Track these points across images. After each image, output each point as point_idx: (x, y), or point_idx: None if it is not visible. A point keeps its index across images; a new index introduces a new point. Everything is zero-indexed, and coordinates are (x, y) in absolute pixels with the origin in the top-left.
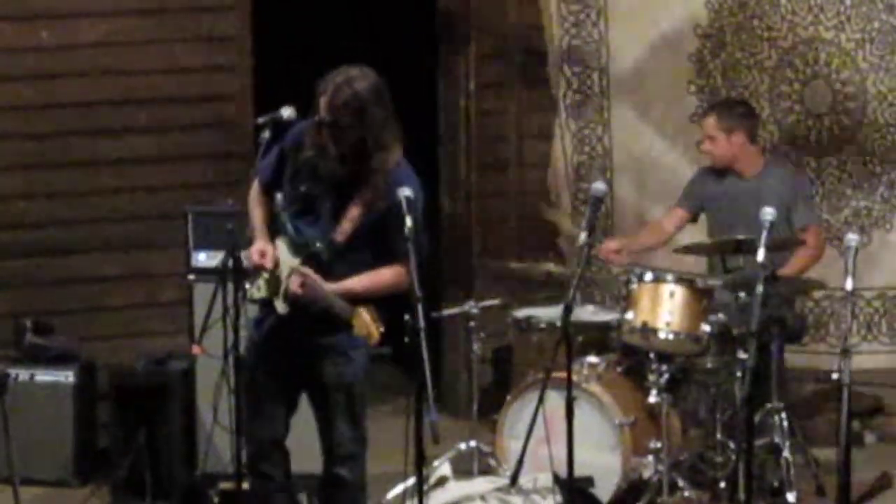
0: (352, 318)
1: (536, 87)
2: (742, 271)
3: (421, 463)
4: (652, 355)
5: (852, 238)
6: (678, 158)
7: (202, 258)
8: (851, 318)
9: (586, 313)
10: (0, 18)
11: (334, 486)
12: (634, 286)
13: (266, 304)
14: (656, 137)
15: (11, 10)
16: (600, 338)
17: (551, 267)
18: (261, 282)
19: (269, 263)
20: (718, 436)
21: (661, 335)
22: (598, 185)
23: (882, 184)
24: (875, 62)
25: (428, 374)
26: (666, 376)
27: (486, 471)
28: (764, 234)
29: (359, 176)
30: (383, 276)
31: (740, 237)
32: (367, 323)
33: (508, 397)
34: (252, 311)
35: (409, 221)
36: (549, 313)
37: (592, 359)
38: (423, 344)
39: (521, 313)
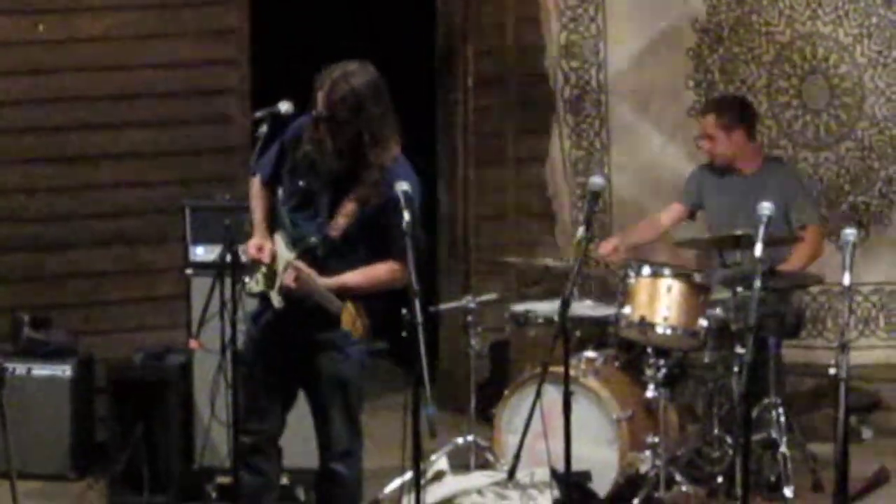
0: (339, 311)
1: (536, 83)
2: (740, 266)
3: (418, 457)
4: (649, 350)
5: (850, 233)
6: (676, 153)
7: (200, 252)
8: (849, 314)
9: (584, 308)
10: None
11: (331, 481)
12: (632, 281)
13: (264, 299)
14: (654, 132)
15: (10, 4)
16: (598, 332)
17: (549, 261)
18: (259, 276)
19: (265, 258)
20: (716, 431)
21: (659, 330)
22: (596, 180)
23: (880, 179)
24: (873, 57)
25: (425, 368)
26: (663, 371)
27: (484, 465)
28: (761, 229)
29: (356, 171)
30: (378, 272)
31: (738, 232)
32: (352, 316)
33: (506, 392)
34: (250, 305)
35: (406, 216)
36: (546, 308)
37: (590, 353)
38: (421, 338)
39: (519, 308)
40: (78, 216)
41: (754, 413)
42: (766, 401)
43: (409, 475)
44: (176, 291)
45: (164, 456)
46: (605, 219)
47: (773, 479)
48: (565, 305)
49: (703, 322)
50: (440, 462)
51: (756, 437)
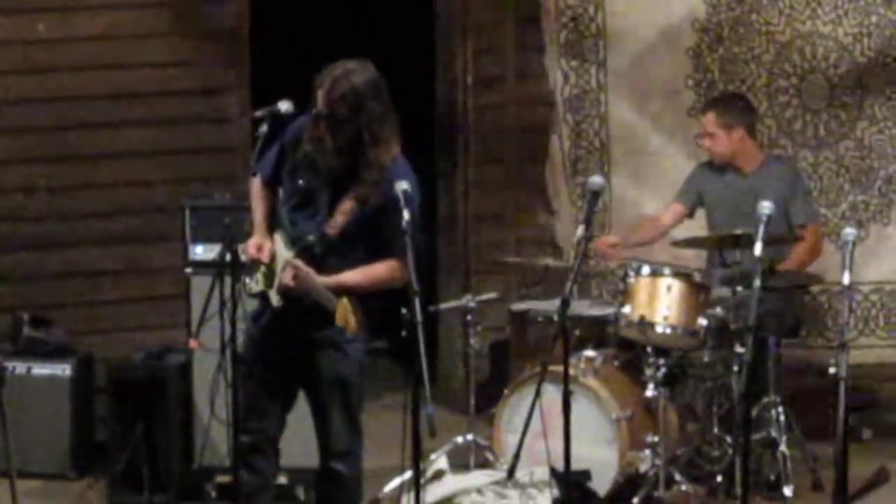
0: (335, 308)
1: (535, 81)
2: (739, 265)
3: (418, 456)
4: (649, 349)
5: (849, 232)
6: (676, 152)
7: (199, 251)
8: (849, 313)
9: (583, 307)
10: None
11: (331, 480)
12: (632, 280)
13: (264, 298)
14: (654, 132)
15: (9, 3)
16: (597, 332)
17: (548, 261)
18: (258, 276)
19: (265, 257)
20: (715, 430)
21: (659, 329)
22: (596, 180)
23: (879, 178)
24: (872, 56)
25: (425, 367)
26: (663, 370)
27: (483, 464)
28: (761, 228)
29: (355, 170)
30: (377, 271)
31: (738, 232)
32: (345, 311)
33: (505, 391)
34: (250, 305)
35: (406, 215)
36: (546, 307)
37: (589, 353)
38: (420, 338)
39: (519, 307)
40: (77, 215)
41: (754, 412)
42: (765, 400)
43: (408, 474)
44: (175, 291)
45: (163, 455)
46: (604, 218)
47: (772, 478)
48: (565, 305)
49: (703, 321)
50: (440, 461)
51: (756, 436)
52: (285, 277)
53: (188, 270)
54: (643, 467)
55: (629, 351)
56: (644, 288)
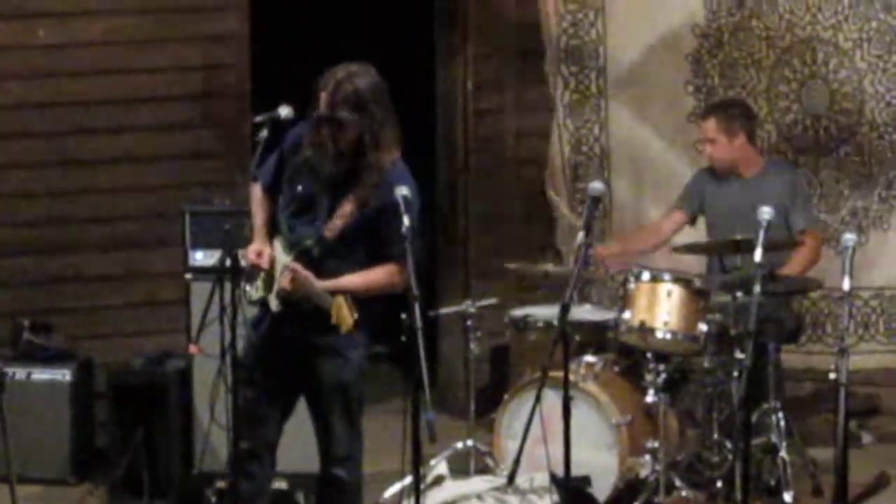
0: (330, 307)
1: (535, 86)
2: (739, 271)
3: (418, 462)
4: (649, 355)
5: (849, 238)
6: (676, 158)
7: (199, 257)
8: (849, 318)
9: (583, 313)
10: None
11: (331, 486)
12: (632, 286)
13: (264, 305)
14: (654, 137)
15: (9, 9)
16: (598, 337)
17: (549, 266)
18: (259, 282)
19: (264, 263)
20: (715, 435)
21: (659, 335)
22: (596, 185)
23: (879, 184)
24: (873, 62)
25: (425, 372)
26: (663, 376)
27: (483, 470)
28: (761, 234)
29: (355, 173)
30: (376, 275)
31: (738, 237)
32: (342, 310)
33: (505, 396)
34: (251, 311)
35: (406, 220)
36: (546, 312)
37: (590, 358)
38: (420, 343)
39: (519, 312)
40: (77, 220)
41: (754, 418)
42: (765, 405)
43: (408, 480)
44: (175, 296)
45: (163, 461)
46: (604, 224)
47: (772, 483)
48: (565, 310)
49: (703, 327)
50: (440, 467)
51: (756, 441)
52: (283, 281)
53: (188, 276)
54: (643, 473)
55: (629, 356)
56: (644, 293)
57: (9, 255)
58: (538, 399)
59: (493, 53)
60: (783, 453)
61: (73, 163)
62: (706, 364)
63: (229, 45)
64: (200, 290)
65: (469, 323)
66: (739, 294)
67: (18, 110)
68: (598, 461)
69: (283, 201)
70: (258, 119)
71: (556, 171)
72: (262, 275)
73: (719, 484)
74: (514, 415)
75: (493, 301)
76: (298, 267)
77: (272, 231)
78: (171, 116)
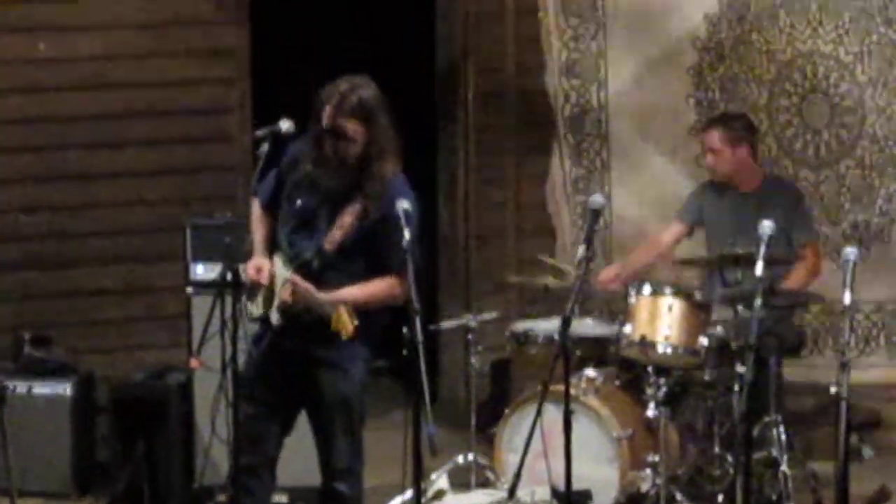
0: (331, 314)
1: (536, 98)
2: (740, 285)
3: (419, 476)
4: (650, 369)
5: (851, 252)
6: (677, 172)
7: (200, 271)
8: (850, 332)
9: (584, 327)
10: None
11: (332, 499)
12: (633, 300)
13: (265, 322)
14: (655, 151)
15: (10, 23)
16: (598, 351)
17: (549, 280)
18: (259, 299)
19: (264, 279)
20: (716, 449)
21: (660, 349)
22: (596, 199)
23: (880, 197)
24: (873, 76)
25: (426, 386)
26: (664, 390)
27: (484, 484)
28: (762, 248)
29: (356, 185)
30: (376, 288)
31: (739, 251)
32: (342, 316)
33: (506, 410)
34: (252, 327)
35: (407, 234)
36: (547, 327)
37: (590, 372)
38: (421, 357)
39: (520, 326)
40: (78, 234)
41: (755, 431)
42: (766, 419)
43: (409, 494)
44: (176, 310)
45: (164, 474)
46: (605, 237)
47: (773, 497)
48: (566, 324)
49: (704, 341)
50: (441, 481)
51: (757, 455)
52: (283, 294)
53: (189, 290)
54: (644, 487)
55: (630, 370)
56: (645, 307)
57: (10, 268)
58: (539, 413)
59: (493, 69)
60: (784, 467)
61: (75, 177)
62: (707, 378)
63: (230, 58)
64: (201, 304)
65: (470, 337)
66: (740, 308)
67: (19, 124)
68: (599, 475)
69: (282, 217)
70: (259, 133)
71: (557, 185)
72: (263, 291)
73: (720, 498)
74: (514, 429)
75: (494, 315)
76: (298, 279)
77: (272, 247)
78: (173, 130)
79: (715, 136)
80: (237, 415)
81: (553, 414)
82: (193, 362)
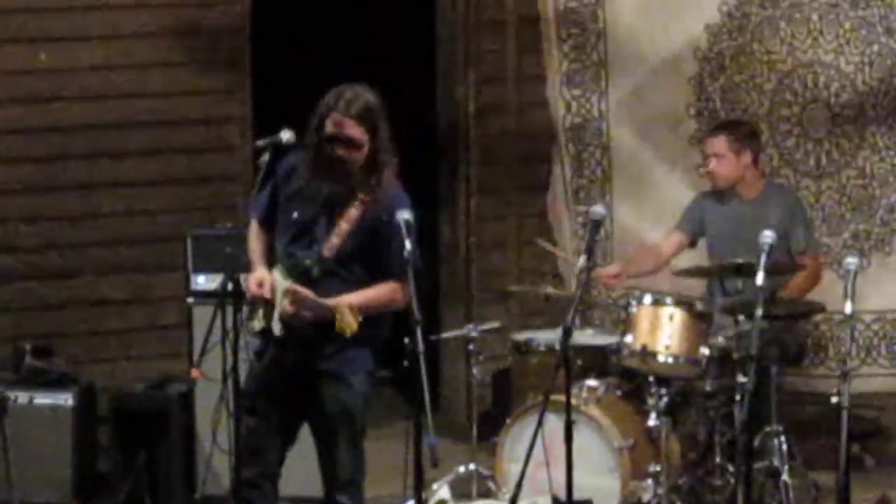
0: (334, 315)
1: (537, 110)
2: (741, 294)
3: (420, 486)
4: (651, 378)
5: (851, 261)
6: (678, 181)
7: (201, 281)
8: (851, 342)
9: (585, 337)
10: None
11: None
12: (634, 309)
13: (267, 335)
14: (656, 160)
15: (10, 33)
16: (600, 361)
17: (550, 290)
18: (261, 313)
19: (266, 293)
20: (718, 459)
21: (661, 358)
22: (597, 209)
23: (881, 207)
24: (874, 85)
25: (427, 397)
26: (665, 399)
27: (486, 494)
28: (763, 258)
29: (354, 192)
30: (377, 292)
31: (740, 260)
32: (345, 315)
33: (508, 420)
34: (253, 341)
35: (408, 244)
36: (548, 336)
37: (592, 382)
38: (422, 367)
39: (521, 336)
40: (79, 245)
41: (756, 441)
42: (767, 429)
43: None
44: (177, 320)
45: (165, 485)
46: (606, 248)
47: None
48: (567, 334)
49: (705, 350)
50: (442, 491)
51: (758, 465)
52: (285, 304)
53: (190, 300)
54: (645, 497)
55: (631, 380)
56: (646, 317)
57: (10, 279)
58: (540, 423)
59: (493, 79)
60: (785, 477)
61: (75, 187)
62: (708, 388)
63: (231, 69)
64: (202, 315)
65: (471, 347)
66: (741, 318)
67: (20, 134)
68: (601, 485)
69: (279, 230)
70: (260, 143)
71: (558, 195)
72: (264, 305)
73: None
74: (516, 438)
75: (495, 325)
76: (299, 288)
77: (271, 261)
78: (174, 141)
79: (720, 141)
80: (239, 427)
81: (554, 424)
82: (194, 372)
